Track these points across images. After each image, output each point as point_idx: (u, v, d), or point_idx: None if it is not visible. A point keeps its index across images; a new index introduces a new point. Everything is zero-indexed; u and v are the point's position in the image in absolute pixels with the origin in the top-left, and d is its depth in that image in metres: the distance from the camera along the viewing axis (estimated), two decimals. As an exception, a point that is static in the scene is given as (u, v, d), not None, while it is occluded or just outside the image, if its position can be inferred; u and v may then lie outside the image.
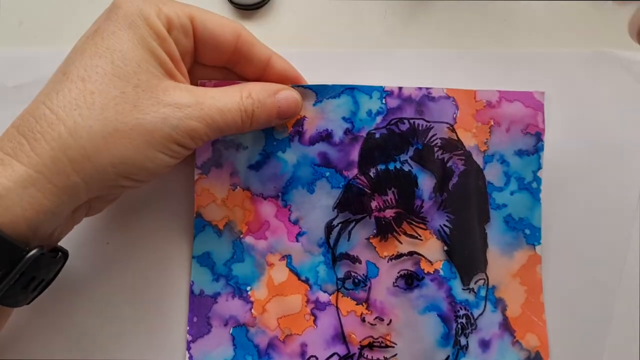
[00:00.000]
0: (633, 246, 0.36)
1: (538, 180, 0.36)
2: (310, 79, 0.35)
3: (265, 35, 0.33)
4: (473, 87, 0.35)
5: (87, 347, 0.35)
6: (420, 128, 0.35)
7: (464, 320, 0.35)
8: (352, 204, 0.35)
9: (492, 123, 0.35)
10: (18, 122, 0.27)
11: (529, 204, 0.36)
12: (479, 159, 0.35)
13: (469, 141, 0.35)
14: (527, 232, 0.35)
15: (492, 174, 0.35)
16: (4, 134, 0.27)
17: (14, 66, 0.36)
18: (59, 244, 0.30)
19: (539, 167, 0.36)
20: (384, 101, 0.35)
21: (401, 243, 0.34)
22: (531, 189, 0.36)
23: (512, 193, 0.36)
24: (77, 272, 0.34)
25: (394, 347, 0.34)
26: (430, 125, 0.35)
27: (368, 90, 0.35)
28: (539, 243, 0.35)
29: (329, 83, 0.34)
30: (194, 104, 0.29)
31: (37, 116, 0.27)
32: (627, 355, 0.35)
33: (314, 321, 0.35)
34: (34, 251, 0.26)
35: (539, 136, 0.35)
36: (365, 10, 0.38)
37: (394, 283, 0.34)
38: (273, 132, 0.35)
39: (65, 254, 0.30)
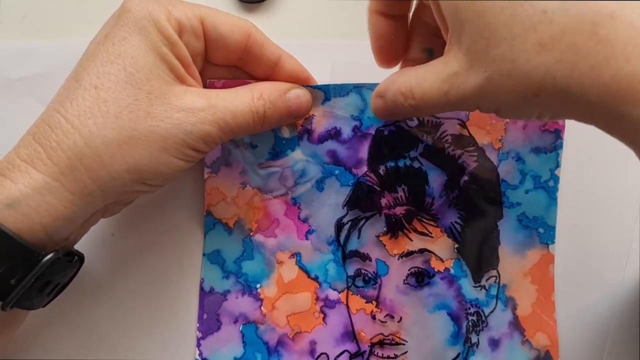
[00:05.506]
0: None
1: (555, 178, 0.35)
2: (313, 71, 0.34)
3: (269, 28, 0.32)
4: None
5: (97, 343, 0.35)
6: (429, 124, 0.34)
7: (474, 318, 0.34)
8: (361, 202, 0.34)
9: (508, 120, 0.34)
10: (34, 129, 0.27)
11: (544, 202, 0.35)
12: (492, 156, 0.34)
13: (482, 138, 0.34)
14: (540, 230, 0.35)
15: (507, 171, 0.35)
16: (20, 141, 0.28)
17: (17, 59, 0.36)
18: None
19: (557, 165, 0.35)
20: (394, 98, 0.34)
21: (412, 240, 0.34)
22: (547, 187, 0.35)
23: (527, 191, 0.35)
24: (87, 270, 0.35)
25: (404, 344, 0.34)
26: (440, 121, 0.34)
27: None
28: (553, 242, 0.35)
29: (332, 75, 0.34)
30: (206, 108, 0.29)
31: (53, 124, 0.27)
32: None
33: (324, 319, 0.35)
34: (49, 256, 0.27)
35: (558, 133, 0.34)
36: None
37: (404, 281, 0.34)
38: (282, 131, 0.34)
39: (80, 258, 0.31)
